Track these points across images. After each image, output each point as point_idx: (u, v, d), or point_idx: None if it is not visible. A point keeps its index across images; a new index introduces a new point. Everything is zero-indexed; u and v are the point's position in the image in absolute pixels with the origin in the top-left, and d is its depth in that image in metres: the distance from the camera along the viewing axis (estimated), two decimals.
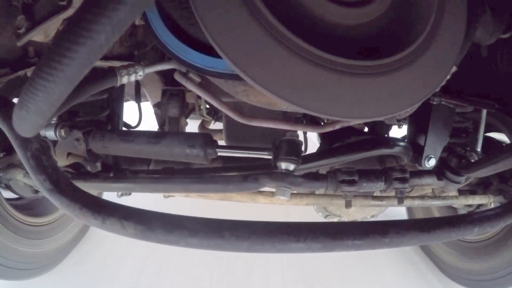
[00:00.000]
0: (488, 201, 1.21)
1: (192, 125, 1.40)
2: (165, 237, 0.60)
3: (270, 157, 0.85)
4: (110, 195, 1.06)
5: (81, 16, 0.36)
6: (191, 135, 0.87)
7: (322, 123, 1.01)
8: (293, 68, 0.55)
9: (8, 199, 1.27)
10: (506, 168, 0.88)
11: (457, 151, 1.12)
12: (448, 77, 0.71)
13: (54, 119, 0.88)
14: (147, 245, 1.58)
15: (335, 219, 1.24)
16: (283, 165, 0.77)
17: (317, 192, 1.07)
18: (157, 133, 0.90)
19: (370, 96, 0.58)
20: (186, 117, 1.22)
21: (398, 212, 2.05)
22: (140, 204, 0.67)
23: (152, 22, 0.75)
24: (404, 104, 0.61)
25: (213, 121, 1.79)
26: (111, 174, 1.00)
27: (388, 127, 1.20)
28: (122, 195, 0.99)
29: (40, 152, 0.63)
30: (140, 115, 1.33)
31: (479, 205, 1.25)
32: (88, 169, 0.94)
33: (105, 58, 0.88)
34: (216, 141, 0.88)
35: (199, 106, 1.16)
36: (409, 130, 1.09)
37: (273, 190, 0.80)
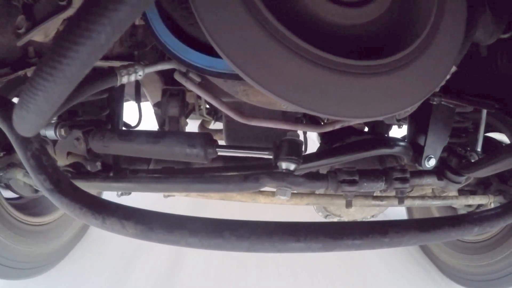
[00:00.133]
0: (488, 202, 1.21)
1: (192, 125, 1.40)
2: (165, 236, 0.60)
3: (270, 157, 0.85)
4: (110, 195, 1.06)
5: (81, 16, 0.36)
6: (191, 134, 0.87)
7: (322, 123, 1.01)
8: (293, 68, 0.55)
9: (8, 199, 1.27)
10: (506, 168, 0.88)
11: (457, 151, 1.12)
12: (448, 77, 0.71)
13: (54, 118, 0.89)
14: (149, 245, 1.58)
15: (335, 219, 1.24)
16: (284, 165, 0.77)
17: (317, 192, 1.07)
18: (157, 132, 0.90)
19: (369, 96, 0.58)
20: (186, 117, 1.22)
21: (398, 213, 2.05)
22: (140, 204, 0.67)
23: (152, 22, 0.75)
24: (403, 104, 0.61)
25: (213, 121, 1.79)
26: (111, 174, 1.00)
27: (388, 127, 1.20)
28: (122, 194, 0.99)
29: (40, 152, 0.63)
30: (140, 115, 1.33)
31: (479, 206, 1.25)
32: (88, 168, 0.94)
33: (105, 58, 0.88)
34: (216, 141, 0.88)
35: (199, 106, 1.16)
36: (409, 130, 1.09)
37: (274, 190, 0.80)
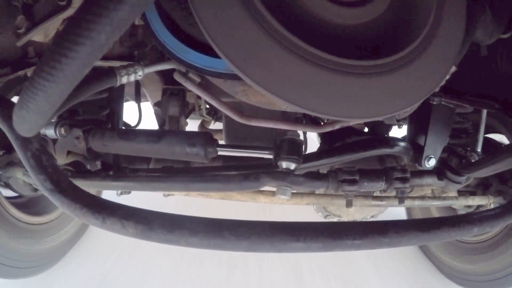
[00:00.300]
0: (488, 202, 1.21)
1: (192, 125, 1.40)
2: (166, 236, 0.60)
3: (271, 156, 0.85)
4: (109, 194, 1.06)
5: (81, 16, 0.36)
6: (192, 133, 0.87)
7: (322, 123, 1.01)
8: (292, 68, 0.55)
9: (7, 198, 1.27)
10: (506, 168, 0.88)
11: (457, 151, 1.12)
12: (448, 77, 0.71)
13: (54, 117, 0.89)
14: (148, 244, 1.58)
15: (335, 219, 1.24)
16: (284, 164, 0.77)
17: (317, 192, 1.07)
18: (157, 131, 0.90)
19: (369, 96, 0.58)
20: (186, 117, 1.22)
21: (397, 214, 2.05)
22: (140, 204, 0.67)
23: (152, 22, 0.75)
24: (403, 104, 0.61)
25: (213, 121, 1.79)
26: (111, 173, 1.00)
27: (388, 127, 1.20)
28: (121, 193, 0.99)
29: (40, 152, 0.63)
30: (140, 115, 1.33)
31: (478, 206, 1.25)
32: (88, 167, 0.94)
33: (105, 58, 0.88)
34: (216, 140, 0.88)
35: (199, 106, 1.16)
36: (409, 130, 1.09)
37: (274, 189, 0.80)
